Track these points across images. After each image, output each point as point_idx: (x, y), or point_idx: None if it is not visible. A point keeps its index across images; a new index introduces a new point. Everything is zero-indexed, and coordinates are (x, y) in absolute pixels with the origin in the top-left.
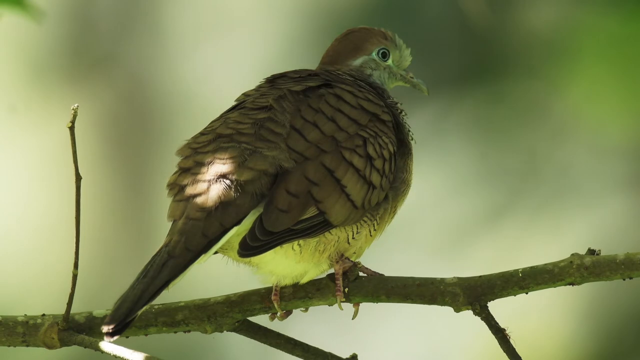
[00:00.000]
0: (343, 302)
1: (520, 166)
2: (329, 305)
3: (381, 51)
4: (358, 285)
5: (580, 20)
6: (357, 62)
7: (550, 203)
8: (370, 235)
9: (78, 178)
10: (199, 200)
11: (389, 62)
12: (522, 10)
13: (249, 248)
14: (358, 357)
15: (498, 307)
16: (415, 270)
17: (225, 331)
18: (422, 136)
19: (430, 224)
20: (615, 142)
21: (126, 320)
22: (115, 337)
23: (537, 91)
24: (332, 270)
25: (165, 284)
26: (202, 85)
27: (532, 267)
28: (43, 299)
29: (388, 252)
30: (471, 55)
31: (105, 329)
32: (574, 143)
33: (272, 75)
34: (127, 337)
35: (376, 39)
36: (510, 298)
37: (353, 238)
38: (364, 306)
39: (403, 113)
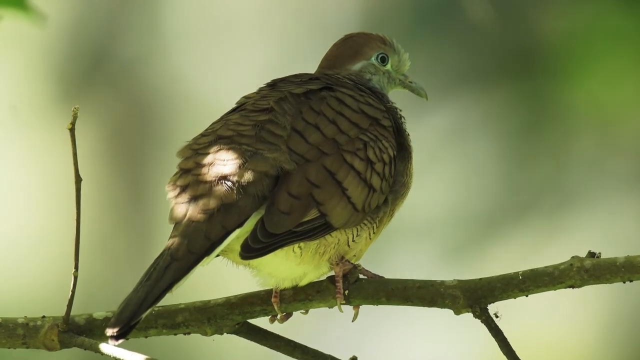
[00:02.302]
0: (343, 304)
1: (535, 167)
2: (329, 308)
3: (380, 56)
4: (358, 288)
5: (594, 18)
6: (357, 66)
7: (569, 203)
8: (370, 238)
9: (78, 180)
10: (200, 202)
11: (388, 66)
12: (537, 10)
13: (251, 250)
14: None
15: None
16: (423, 274)
17: (225, 333)
18: (435, 138)
19: (440, 227)
20: (628, 140)
21: (130, 323)
22: (120, 341)
23: (556, 91)
24: (332, 273)
25: (168, 287)
26: (202, 86)
27: (532, 270)
28: (43, 300)
29: (396, 255)
30: (491, 55)
31: (109, 332)
32: (590, 141)
33: (273, 80)
34: (128, 339)
35: (375, 44)
36: (512, 301)
37: (353, 241)
38: (364, 308)
39: (403, 119)
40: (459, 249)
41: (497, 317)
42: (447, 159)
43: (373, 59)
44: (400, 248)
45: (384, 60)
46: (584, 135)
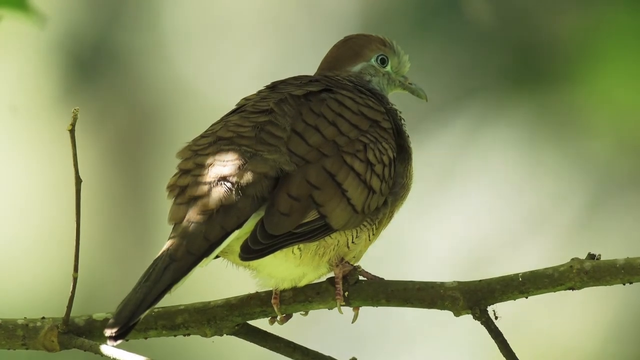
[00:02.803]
0: (343, 305)
1: (548, 169)
2: (329, 309)
3: (380, 57)
4: (358, 289)
5: (607, 18)
6: (356, 68)
7: (583, 206)
8: (369, 240)
9: (78, 181)
10: (200, 203)
11: (388, 68)
12: (548, 11)
13: (251, 251)
14: None
15: (500, 311)
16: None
17: (225, 335)
18: (446, 142)
19: (450, 231)
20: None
21: (129, 324)
22: (119, 341)
23: (568, 93)
24: (332, 274)
25: (167, 288)
26: (202, 86)
27: (532, 272)
28: (43, 301)
29: (401, 260)
30: (502, 56)
31: (108, 332)
32: (604, 143)
33: (273, 82)
34: (127, 340)
35: (375, 45)
36: (512, 302)
37: (353, 242)
38: (364, 310)
39: (403, 121)
40: (467, 251)
41: (496, 317)
42: (461, 162)
43: (373, 60)
44: (407, 253)
45: (383, 62)
46: (598, 137)
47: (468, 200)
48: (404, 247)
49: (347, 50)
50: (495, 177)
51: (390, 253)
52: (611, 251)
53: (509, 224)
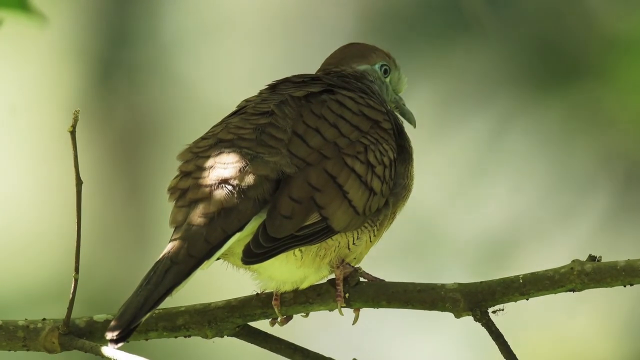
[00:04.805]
0: (344, 307)
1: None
2: (330, 311)
3: (384, 67)
4: (359, 291)
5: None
6: (361, 67)
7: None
8: (370, 241)
9: (79, 182)
10: (201, 206)
11: (388, 80)
12: (572, 11)
13: (253, 255)
14: None
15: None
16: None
17: (225, 336)
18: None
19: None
20: None
21: (130, 327)
22: (120, 344)
23: (594, 95)
24: (332, 276)
25: (168, 291)
26: (204, 89)
27: (532, 273)
28: (43, 303)
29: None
30: (534, 59)
31: (109, 335)
32: (627, 145)
33: (275, 81)
34: (128, 341)
35: (380, 53)
36: (513, 303)
37: (354, 244)
38: (365, 311)
39: (403, 121)
40: (493, 247)
41: (495, 313)
42: (485, 159)
43: (377, 66)
44: (417, 248)
45: (386, 72)
46: (625, 134)
47: (494, 196)
48: (428, 241)
49: (354, 50)
50: (520, 175)
51: (416, 246)
52: None
53: (535, 222)
